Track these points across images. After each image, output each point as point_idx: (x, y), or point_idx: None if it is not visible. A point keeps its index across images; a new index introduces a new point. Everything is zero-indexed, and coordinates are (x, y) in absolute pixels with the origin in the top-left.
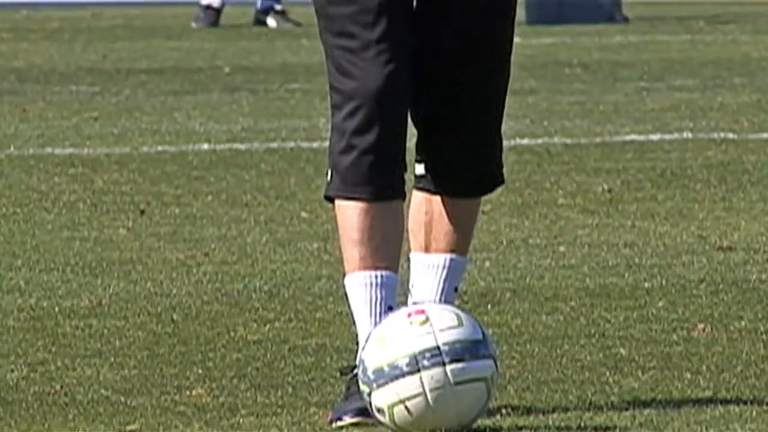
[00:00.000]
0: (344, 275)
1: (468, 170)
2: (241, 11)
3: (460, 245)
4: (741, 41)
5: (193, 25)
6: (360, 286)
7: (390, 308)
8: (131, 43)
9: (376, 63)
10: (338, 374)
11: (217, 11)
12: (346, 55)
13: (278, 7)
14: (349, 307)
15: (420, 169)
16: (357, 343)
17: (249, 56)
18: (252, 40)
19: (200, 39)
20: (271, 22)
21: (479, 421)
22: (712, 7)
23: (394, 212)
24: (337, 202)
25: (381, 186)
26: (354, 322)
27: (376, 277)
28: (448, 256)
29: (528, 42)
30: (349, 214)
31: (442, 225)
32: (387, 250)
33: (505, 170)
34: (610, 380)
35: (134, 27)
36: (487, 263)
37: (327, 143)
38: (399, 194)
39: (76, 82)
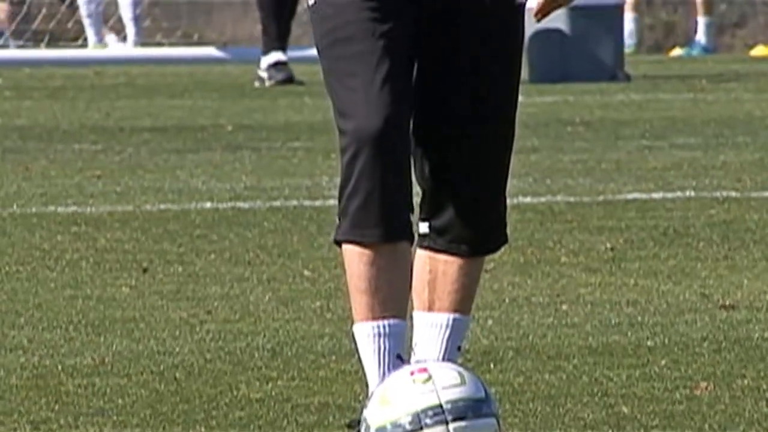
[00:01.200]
0: (353, 323)
1: (471, 230)
2: (244, 69)
3: (463, 304)
4: (744, 99)
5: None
6: (368, 337)
7: (399, 357)
8: (134, 102)
9: (379, 104)
10: (346, 429)
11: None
12: (348, 97)
13: (283, 58)
14: (358, 356)
15: (423, 227)
16: (366, 395)
17: (251, 114)
18: (254, 98)
19: (203, 97)
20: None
21: None
22: (715, 65)
23: (401, 255)
24: (344, 246)
25: (388, 228)
26: (364, 372)
27: (383, 327)
28: (452, 315)
29: (531, 100)
30: (356, 261)
31: (446, 284)
32: (394, 298)
33: (508, 229)
34: None
35: (137, 85)
36: (490, 321)
37: (329, 202)
38: (406, 236)
39: (79, 140)
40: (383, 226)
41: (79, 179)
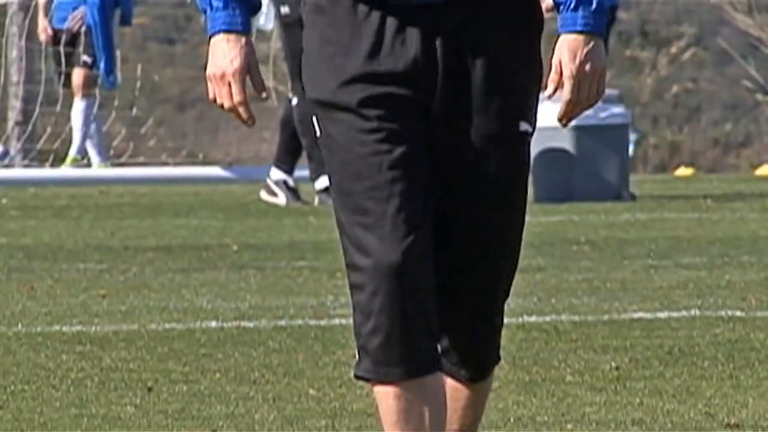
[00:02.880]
0: None
1: (471, 356)
2: (249, 189)
3: (468, 425)
4: (749, 219)
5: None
6: None
7: None
8: (139, 221)
9: (394, 238)
10: None
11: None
12: (362, 234)
13: (291, 183)
14: None
15: None
16: None
17: (256, 234)
18: (260, 217)
19: (208, 217)
20: (281, 197)
21: None
22: (720, 184)
23: (430, 387)
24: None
25: (411, 366)
26: None
27: None
28: None
29: (536, 220)
30: (383, 397)
31: (450, 404)
32: (426, 428)
33: (511, 348)
34: None
35: (142, 205)
36: None
37: (334, 321)
38: (432, 369)
39: (83, 259)
40: (407, 363)
41: (83, 298)
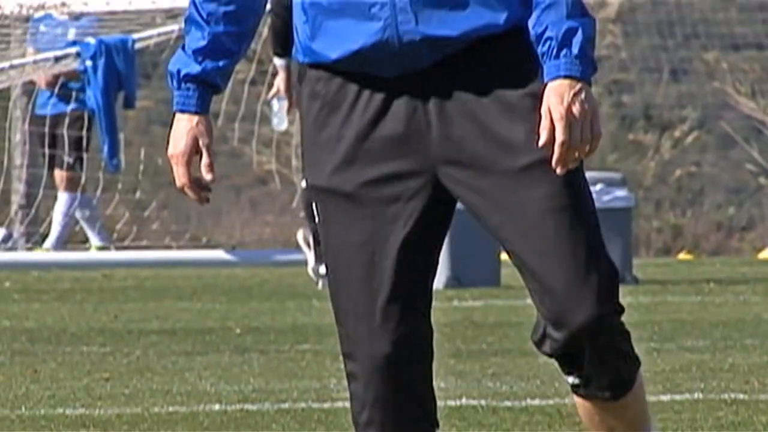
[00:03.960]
0: None
1: (606, 374)
2: (252, 272)
3: None
4: (752, 302)
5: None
6: None
7: None
8: (142, 304)
9: (385, 329)
10: None
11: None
12: (353, 323)
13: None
14: None
15: (569, 379)
16: None
17: (259, 317)
18: (263, 301)
19: (211, 300)
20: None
21: None
22: (723, 267)
23: None
24: None
25: None
26: None
27: None
28: None
29: None
30: None
31: (602, 427)
32: None
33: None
34: None
35: (145, 288)
36: None
37: (338, 404)
38: None
39: (87, 342)
40: None
41: (87, 381)
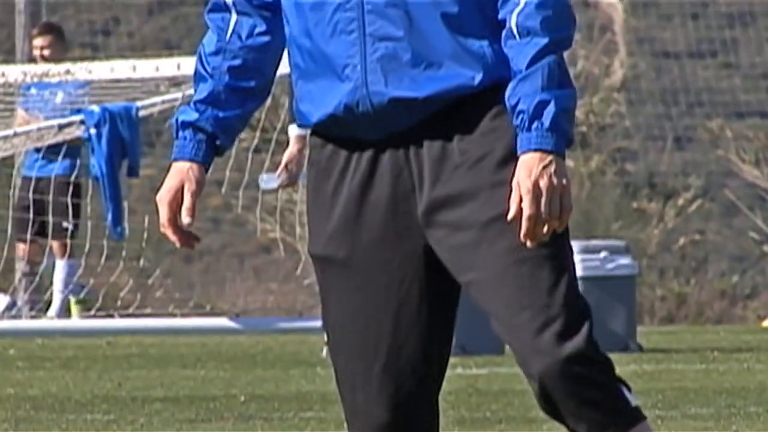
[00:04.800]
0: None
1: (585, 410)
2: (256, 339)
3: None
4: (756, 370)
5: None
6: None
7: None
8: (146, 372)
9: (382, 395)
10: None
11: None
12: (351, 390)
13: None
14: None
15: None
16: None
17: (263, 385)
18: (267, 368)
19: (215, 368)
20: None
21: None
22: (727, 335)
23: None
24: None
25: None
26: None
27: None
28: None
29: None
30: None
31: None
32: None
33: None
34: None
35: (149, 355)
36: None
37: None
38: None
39: (91, 410)
40: None
41: None
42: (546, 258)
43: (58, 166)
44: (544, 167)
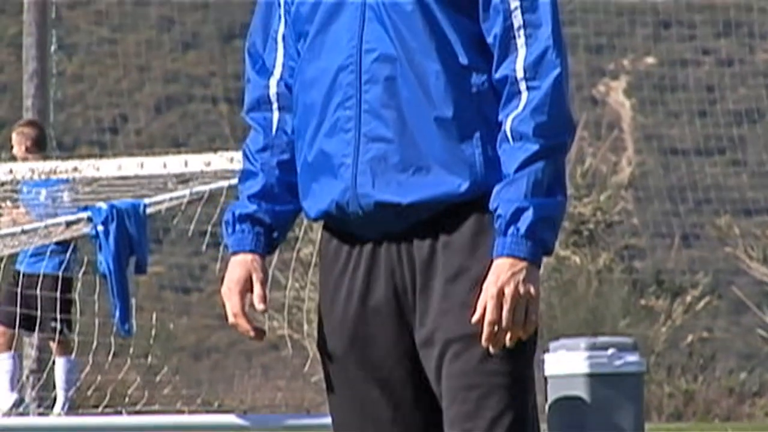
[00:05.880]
0: None
1: None
2: None
3: None
4: None
5: None
6: None
7: None
8: None
9: None
10: None
11: None
12: None
13: None
14: None
15: None
16: None
17: None
18: None
19: None
20: None
21: None
22: None
23: None
24: None
25: None
26: None
27: None
28: None
29: None
30: None
31: None
32: None
33: None
34: None
35: None
36: None
37: None
38: None
39: None
40: None
41: None
42: (497, 387)
43: (47, 264)
44: (513, 274)
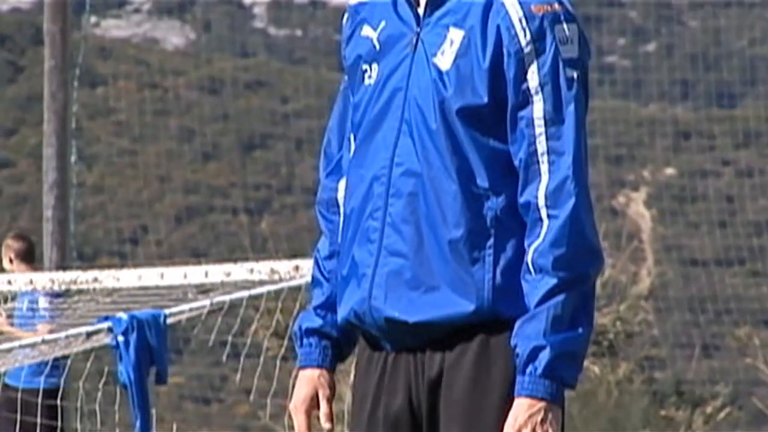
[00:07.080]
0: None
1: None
2: None
3: None
4: None
5: None
6: None
7: None
8: None
9: None
10: None
11: None
12: None
13: None
14: None
15: None
16: None
17: None
18: None
19: None
20: None
21: None
22: None
23: None
24: None
25: None
26: None
27: None
28: None
29: None
30: None
31: None
32: None
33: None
34: None
35: None
36: None
37: None
38: None
39: None
40: None
41: None
42: None
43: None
44: (531, 416)
